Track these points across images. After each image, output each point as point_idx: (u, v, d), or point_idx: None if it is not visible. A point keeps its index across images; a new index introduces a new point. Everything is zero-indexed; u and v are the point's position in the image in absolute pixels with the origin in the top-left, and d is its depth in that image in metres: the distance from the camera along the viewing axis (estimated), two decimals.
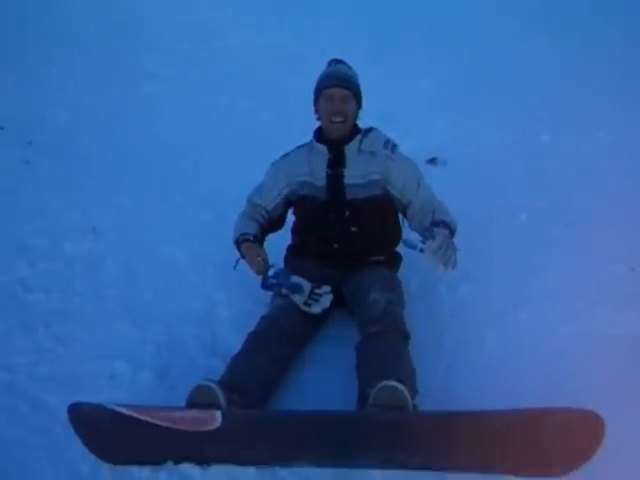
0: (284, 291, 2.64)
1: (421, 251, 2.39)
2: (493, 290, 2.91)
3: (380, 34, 5.43)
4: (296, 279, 2.65)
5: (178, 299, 3.03)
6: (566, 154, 3.79)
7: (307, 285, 2.64)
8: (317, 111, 2.86)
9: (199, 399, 2.20)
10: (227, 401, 2.21)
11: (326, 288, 2.68)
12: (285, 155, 2.96)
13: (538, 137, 4.07)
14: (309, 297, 2.64)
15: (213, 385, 2.22)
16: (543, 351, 2.54)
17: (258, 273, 2.68)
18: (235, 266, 2.79)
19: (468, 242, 3.09)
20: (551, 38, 5.21)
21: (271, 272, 2.65)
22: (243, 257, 2.76)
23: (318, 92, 2.83)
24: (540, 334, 2.63)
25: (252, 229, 2.84)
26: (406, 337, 2.52)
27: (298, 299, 2.63)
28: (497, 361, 2.52)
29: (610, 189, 3.36)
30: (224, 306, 2.99)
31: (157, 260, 3.28)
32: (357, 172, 2.78)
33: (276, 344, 2.51)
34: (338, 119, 2.78)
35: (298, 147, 2.95)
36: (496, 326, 2.71)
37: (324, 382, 2.51)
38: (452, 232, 2.62)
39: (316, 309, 2.65)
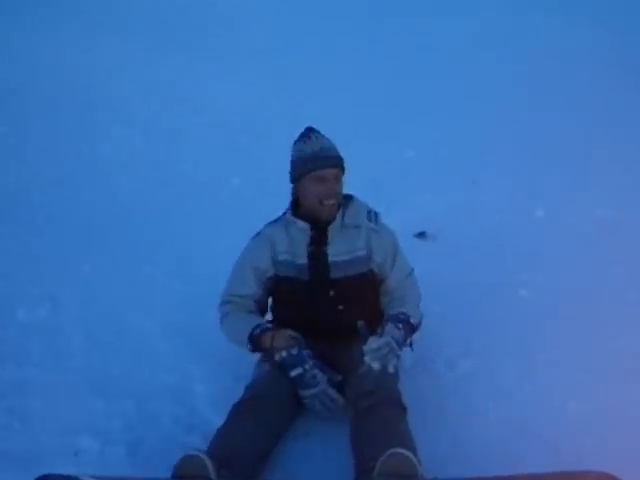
0: (294, 373, 2.67)
1: (365, 343, 2.62)
2: (495, 365, 3.01)
3: (363, 105, 5.67)
4: (314, 369, 2.69)
5: (148, 372, 3.07)
6: (562, 229, 3.98)
7: (323, 380, 2.69)
8: (300, 190, 2.87)
9: (187, 470, 2.22)
10: (217, 474, 2.24)
11: (336, 394, 2.70)
12: (257, 235, 2.96)
13: (532, 212, 4.24)
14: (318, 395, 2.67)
15: (202, 455, 2.25)
16: (550, 428, 2.64)
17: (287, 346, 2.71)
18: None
19: (465, 317, 3.28)
20: (542, 110, 5.50)
21: (294, 350, 2.71)
22: (266, 350, 2.76)
23: (306, 173, 2.82)
24: (546, 410, 2.75)
25: (261, 319, 2.89)
26: (403, 409, 2.58)
27: (303, 390, 2.68)
28: (503, 436, 2.61)
29: (610, 262, 3.56)
30: (200, 380, 3.03)
31: (123, 330, 3.33)
32: (342, 248, 2.84)
33: (265, 415, 2.54)
34: (332, 202, 2.82)
35: (270, 224, 2.96)
36: (500, 401, 2.81)
37: (316, 457, 2.57)
38: (412, 326, 2.78)
39: (317, 408, 2.69)
